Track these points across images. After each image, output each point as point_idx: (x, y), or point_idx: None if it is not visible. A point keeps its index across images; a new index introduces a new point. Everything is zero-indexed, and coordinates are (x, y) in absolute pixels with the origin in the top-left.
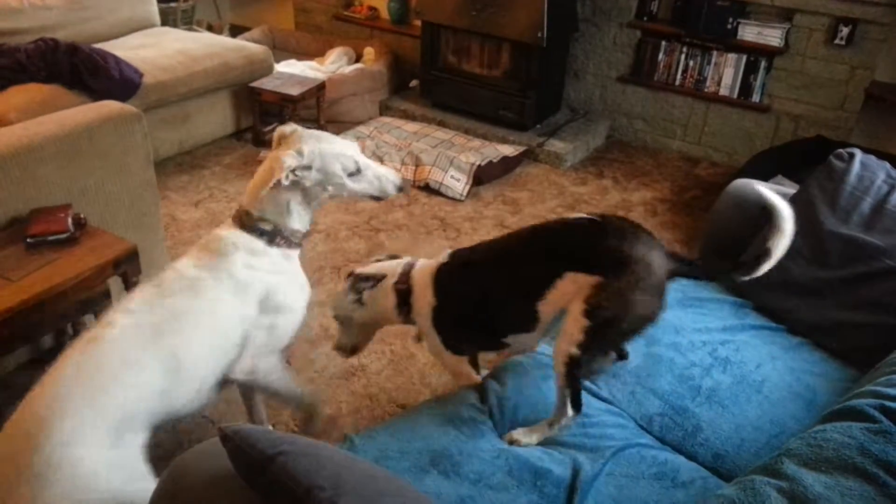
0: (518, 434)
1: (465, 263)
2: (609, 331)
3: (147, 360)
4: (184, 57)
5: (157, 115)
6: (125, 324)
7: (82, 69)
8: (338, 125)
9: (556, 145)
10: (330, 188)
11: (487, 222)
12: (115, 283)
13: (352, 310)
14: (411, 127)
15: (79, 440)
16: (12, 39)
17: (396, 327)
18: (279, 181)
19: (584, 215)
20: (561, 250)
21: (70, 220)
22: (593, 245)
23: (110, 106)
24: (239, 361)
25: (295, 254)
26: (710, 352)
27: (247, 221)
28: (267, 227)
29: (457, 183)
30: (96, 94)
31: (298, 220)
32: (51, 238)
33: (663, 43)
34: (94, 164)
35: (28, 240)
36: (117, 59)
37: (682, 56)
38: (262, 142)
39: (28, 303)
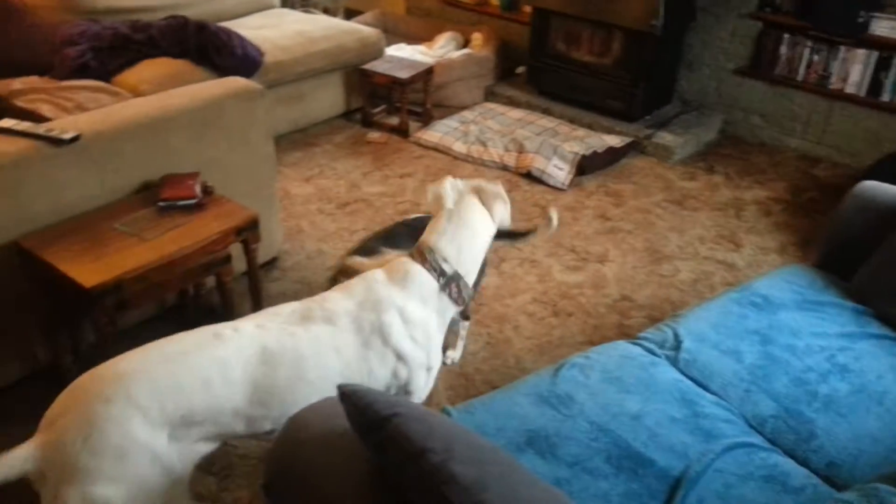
0: None
1: None
2: None
3: (241, 382)
4: (302, 38)
5: (275, 94)
6: (248, 336)
7: (209, 46)
8: (443, 109)
9: (664, 138)
10: None
11: (588, 213)
12: (235, 248)
13: None
14: (516, 114)
15: (143, 413)
16: (146, 16)
17: (496, 311)
18: None
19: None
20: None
21: (198, 187)
22: None
23: (237, 82)
24: None
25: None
26: (828, 357)
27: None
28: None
29: (559, 172)
30: (220, 71)
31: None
32: (180, 203)
33: (786, 36)
34: (220, 136)
35: (160, 203)
36: (241, 38)
37: (807, 50)
38: (371, 123)
39: (159, 261)
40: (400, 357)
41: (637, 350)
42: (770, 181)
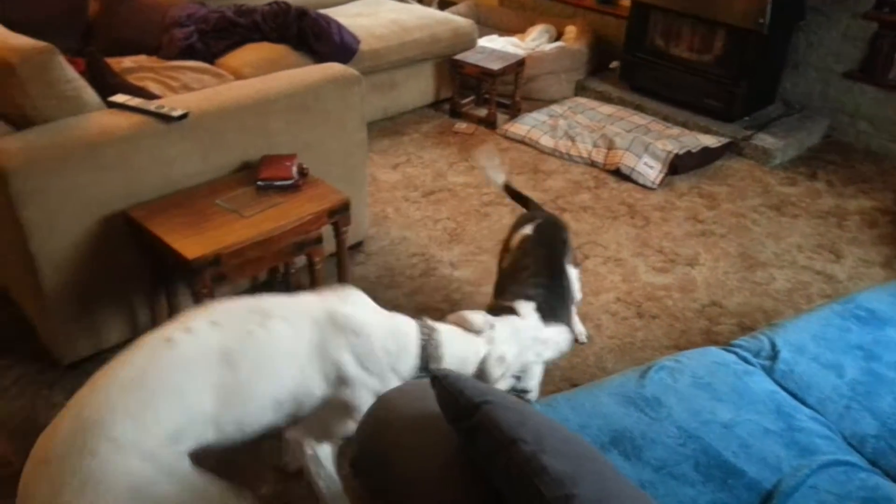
0: None
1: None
2: None
3: (205, 386)
4: (397, 27)
5: (368, 81)
6: (204, 337)
7: (309, 32)
8: (532, 102)
9: (764, 140)
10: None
11: (679, 214)
12: (325, 230)
13: None
14: (606, 109)
15: (132, 447)
16: (251, 1)
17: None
18: None
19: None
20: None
21: (295, 169)
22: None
23: (335, 68)
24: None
25: None
26: None
27: None
28: None
29: (650, 170)
30: (318, 57)
31: None
32: (277, 183)
33: None
34: (317, 120)
35: (259, 183)
36: (339, 26)
37: None
38: (459, 113)
39: (256, 238)
40: (344, 381)
41: (730, 357)
42: (876, 191)
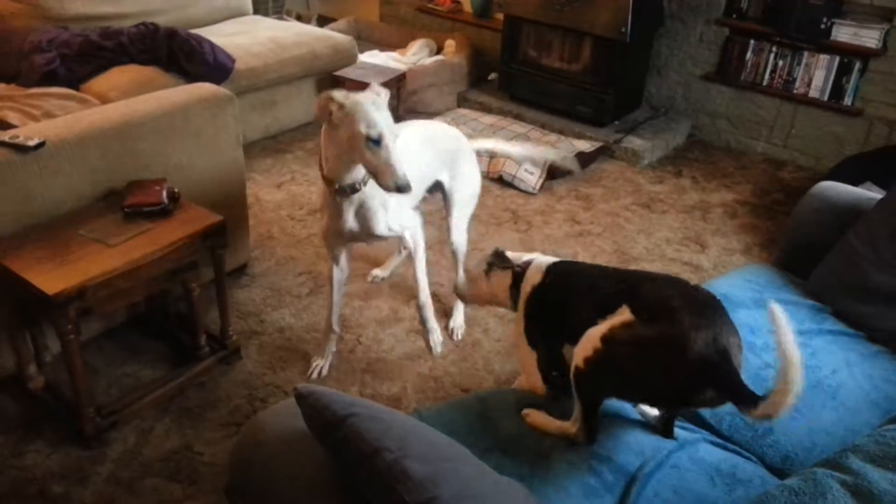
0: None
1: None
2: (611, 369)
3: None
4: (274, 45)
5: (247, 101)
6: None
7: (179, 53)
8: (416, 115)
9: (633, 142)
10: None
11: (559, 216)
12: (204, 255)
13: (478, 276)
14: (487, 119)
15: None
16: (116, 23)
17: (465, 314)
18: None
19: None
20: (631, 289)
21: (164, 194)
22: (651, 293)
23: (205, 88)
24: None
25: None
26: None
27: None
28: None
29: (530, 176)
30: (191, 78)
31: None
32: (146, 209)
33: (752, 42)
34: (188, 142)
35: (125, 210)
36: (212, 45)
37: (772, 56)
38: None
39: (123, 268)
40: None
41: None
42: (736, 184)
